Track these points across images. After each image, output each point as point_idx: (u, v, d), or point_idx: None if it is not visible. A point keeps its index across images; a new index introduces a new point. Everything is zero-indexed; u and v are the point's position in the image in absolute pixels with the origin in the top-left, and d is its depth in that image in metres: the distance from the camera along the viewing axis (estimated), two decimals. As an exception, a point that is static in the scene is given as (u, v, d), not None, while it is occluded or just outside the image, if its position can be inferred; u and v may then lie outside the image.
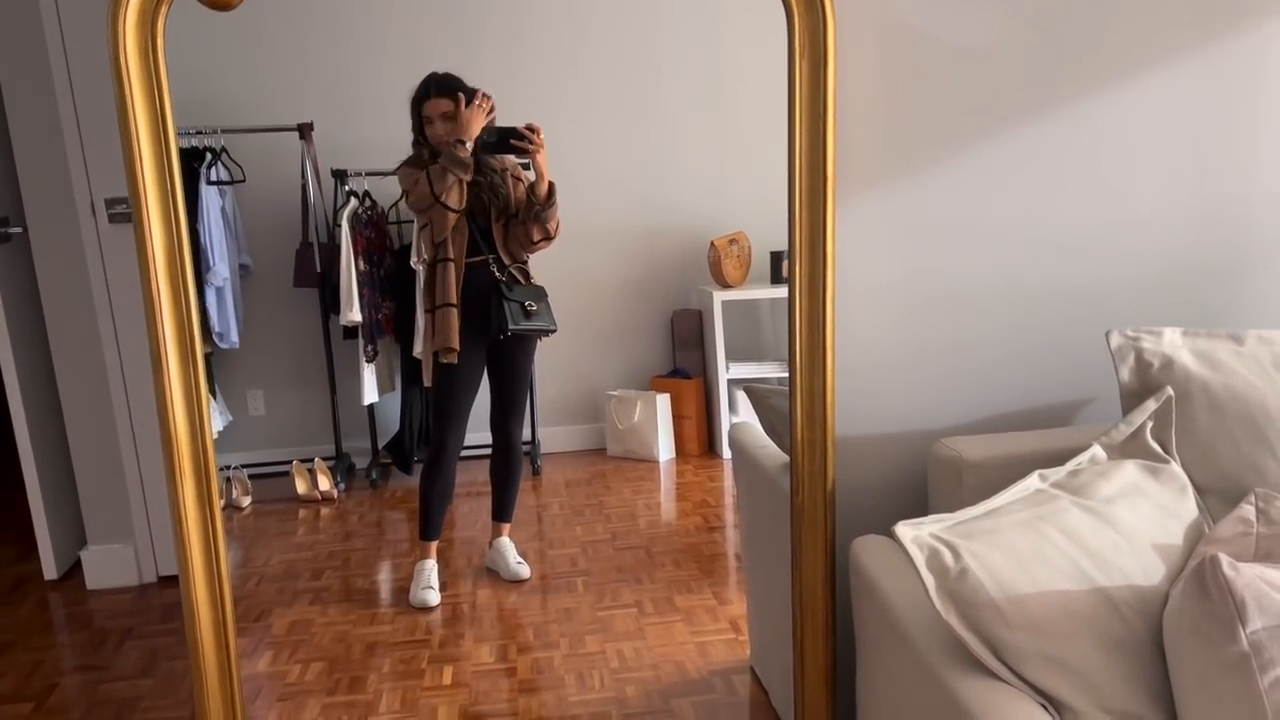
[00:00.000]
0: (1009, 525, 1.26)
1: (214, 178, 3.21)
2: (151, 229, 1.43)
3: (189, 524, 1.50)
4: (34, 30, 2.55)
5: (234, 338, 3.30)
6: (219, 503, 1.53)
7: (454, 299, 2.59)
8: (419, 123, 2.58)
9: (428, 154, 2.56)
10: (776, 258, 3.59)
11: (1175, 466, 1.41)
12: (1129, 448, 1.44)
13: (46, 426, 2.86)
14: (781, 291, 3.57)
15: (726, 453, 3.64)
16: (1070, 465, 1.40)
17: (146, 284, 1.45)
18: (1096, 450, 1.43)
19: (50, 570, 2.88)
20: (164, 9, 1.36)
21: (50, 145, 2.62)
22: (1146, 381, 1.50)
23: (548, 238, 2.63)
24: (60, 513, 2.90)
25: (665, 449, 3.68)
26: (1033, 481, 1.36)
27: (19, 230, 2.75)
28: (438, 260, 2.59)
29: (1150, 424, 1.45)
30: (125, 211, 2.62)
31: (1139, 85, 1.69)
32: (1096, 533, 1.26)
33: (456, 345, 2.59)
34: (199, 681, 1.53)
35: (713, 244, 3.61)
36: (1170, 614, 1.16)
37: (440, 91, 2.54)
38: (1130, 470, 1.38)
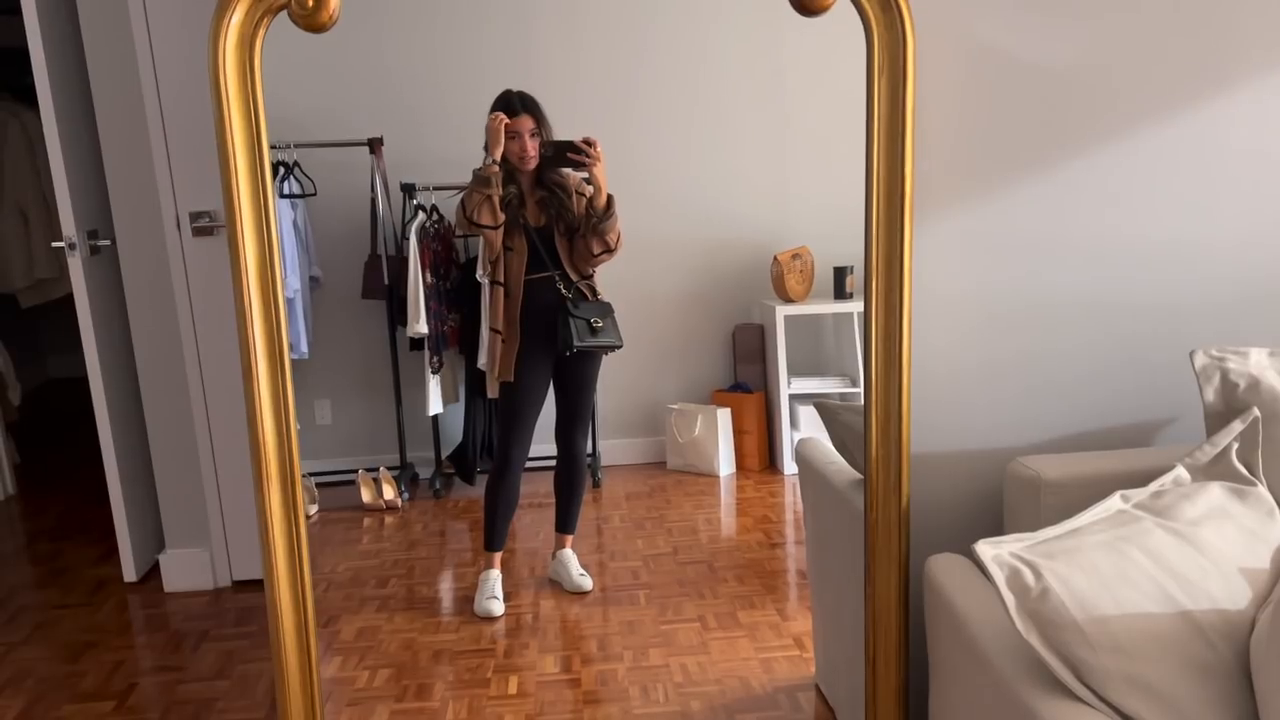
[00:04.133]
0: (1091, 546, 1.24)
1: (286, 191, 3.30)
2: (245, 241, 1.48)
3: (274, 528, 1.55)
4: (125, 51, 2.65)
5: (303, 348, 3.38)
6: (303, 508, 1.57)
7: (500, 325, 2.64)
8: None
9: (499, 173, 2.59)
10: (840, 273, 3.58)
11: (1262, 489, 1.39)
12: (1214, 469, 1.41)
13: (129, 433, 2.95)
14: (844, 306, 3.61)
15: (788, 468, 3.63)
16: (1153, 486, 1.38)
17: (239, 294, 1.50)
18: (1180, 471, 1.41)
19: (130, 573, 2.96)
20: (262, 31, 1.42)
21: (138, 161, 2.72)
22: (1232, 402, 1.48)
23: (608, 250, 2.64)
24: (140, 517, 2.99)
25: (726, 463, 3.68)
26: (1115, 502, 1.34)
27: (108, 243, 2.85)
28: (493, 282, 2.64)
29: (1236, 445, 1.42)
30: (208, 225, 2.71)
31: (1223, 101, 1.67)
32: (1181, 555, 1.24)
33: (510, 377, 2.64)
34: (281, 682, 1.57)
35: (775, 258, 3.61)
36: (1258, 640, 1.14)
37: (526, 108, 2.58)
38: (1215, 492, 1.36)
